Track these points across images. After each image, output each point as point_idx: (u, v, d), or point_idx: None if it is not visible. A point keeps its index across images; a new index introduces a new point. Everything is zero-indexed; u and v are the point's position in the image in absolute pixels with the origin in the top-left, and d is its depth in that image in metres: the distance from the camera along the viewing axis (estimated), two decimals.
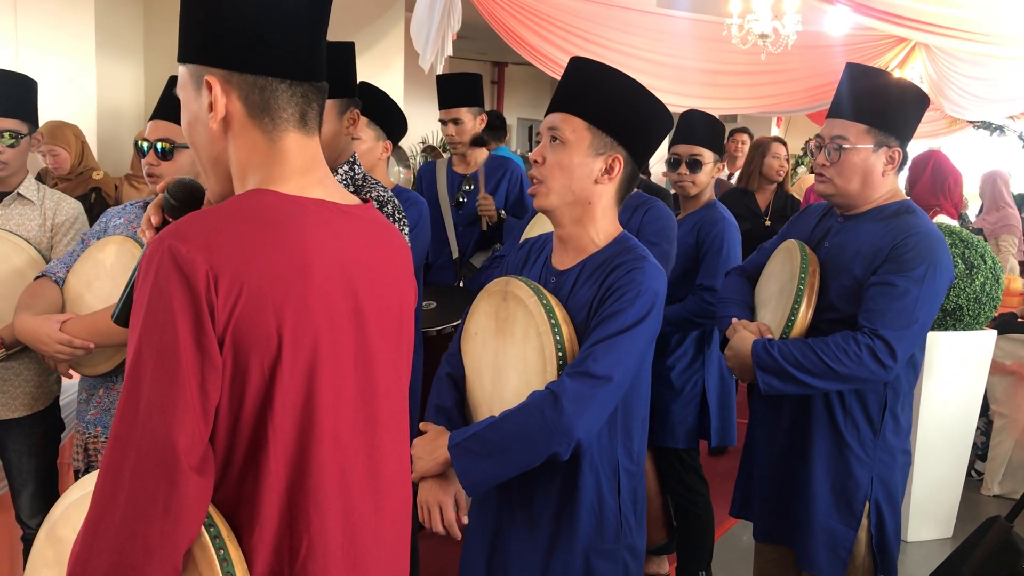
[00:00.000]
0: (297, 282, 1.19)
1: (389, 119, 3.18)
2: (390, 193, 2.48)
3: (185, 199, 1.41)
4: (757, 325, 2.46)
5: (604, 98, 1.93)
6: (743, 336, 2.42)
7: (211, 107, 1.26)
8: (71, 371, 2.51)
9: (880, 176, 2.37)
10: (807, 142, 5.22)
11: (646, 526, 2.07)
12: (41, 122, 4.86)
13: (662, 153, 3.87)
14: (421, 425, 2.04)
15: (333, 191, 1.33)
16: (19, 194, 2.90)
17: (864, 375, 2.24)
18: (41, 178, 4.89)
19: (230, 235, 1.16)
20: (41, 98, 4.97)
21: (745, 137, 6.85)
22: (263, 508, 1.19)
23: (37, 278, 2.54)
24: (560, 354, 1.85)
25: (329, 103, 2.36)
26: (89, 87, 5.38)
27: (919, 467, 4.06)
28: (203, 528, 1.14)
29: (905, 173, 4.87)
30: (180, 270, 1.11)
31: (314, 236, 1.23)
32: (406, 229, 2.47)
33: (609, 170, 1.94)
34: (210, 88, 1.26)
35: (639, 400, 2.01)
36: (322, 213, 1.26)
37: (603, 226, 1.98)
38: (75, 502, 1.34)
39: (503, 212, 4.00)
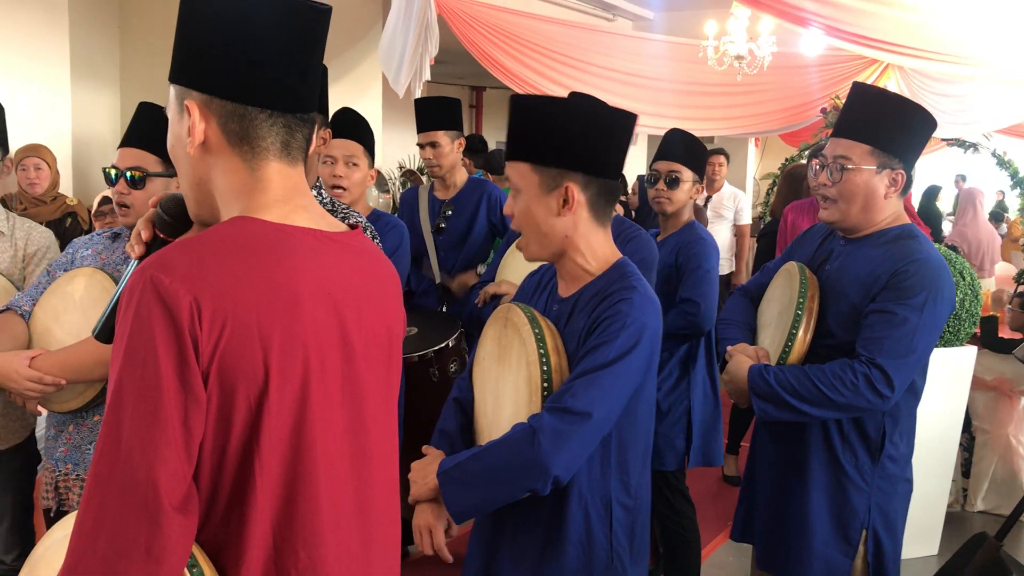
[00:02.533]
0: (284, 312, 1.16)
1: (374, 145, 3.19)
2: (364, 218, 2.45)
3: (178, 215, 1.37)
4: (755, 350, 2.43)
5: (537, 132, 1.88)
6: (740, 361, 2.40)
7: (190, 131, 1.24)
8: (40, 407, 2.42)
9: (882, 199, 2.32)
10: (809, 160, 5.23)
11: (647, 560, 2.03)
12: (14, 148, 4.86)
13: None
14: (423, 448, 2.03)
15: (318, 218, 1.30)
16: None
17: (861, 404, 2.20)
18: (6, 203, 4.84)
19: (215, 265, 1.13)
20: (16, 125, 4.95)
21: (722, 159, 6.86)
22: (249, 546, 1.16)
23: (1, 311, 2.44)
24: (545, 385, 1.82)
25: None
26: (64, 114, 5.34)
27: None
28: (186, 569, 1.11)
29: None
30: (163, 302, 1.08)
31: (302, 265, 1.20)
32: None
33: (566, 201, 1.88)
34: (190, 112, 1.24)
35: (636, 433, 1.94)
36: (309, 241, 1.24)
37: (592, 253, 1.94)
38: (57, 542, 1.30)
39: (479, 268, 3.96)
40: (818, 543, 2.36)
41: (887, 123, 2.30)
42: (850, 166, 2.31)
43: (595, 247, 1.95)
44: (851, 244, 2.40)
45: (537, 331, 1.86)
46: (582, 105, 1.90)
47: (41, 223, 4.71)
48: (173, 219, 1.38)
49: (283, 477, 1.18)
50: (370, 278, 1.33)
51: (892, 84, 7.35)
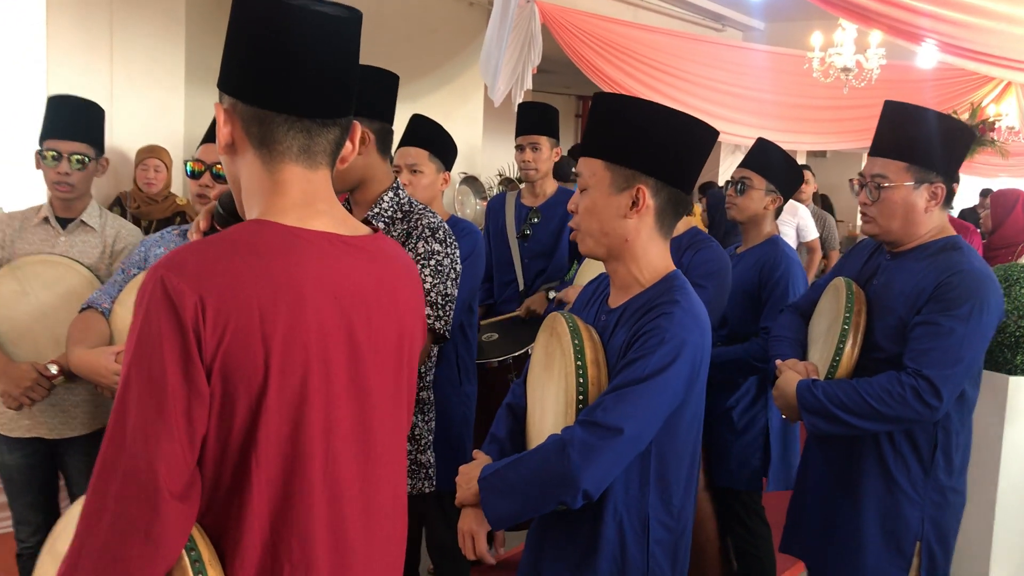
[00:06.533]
0: (287, 314, 1.19)
1: (447, 150, 3.21)
2: (440, 219, 2.46)
3: (232, 210, 1.44)
4: (804, 365, 2.46)
5: (616, 131, 1.85)
6: (788, 376, 2.43)
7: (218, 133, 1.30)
8: None
9: (923, 213, 2.35)
10: (850, 180, 5.07)
11: None
12: (134, 148, 5.11)
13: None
14: (474, 452, 2.05)
15: (339, 222, 1.33)
16: (82, 221, 2.92)
17: (909, 416, 2.22)
18: (122, 201, 5.07)
19: (222, 266, 1.17)
20: (133, 126, 5.20)
21: (807, 175, 6.49)
22: (245, 536, 1.19)
23: (83, 309, 2.53)
24: (580, 398, 1.79)
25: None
26: (177, 117, 5.58)
27: (1001, 518, 3.85)
28: (184, 552, 1.15)
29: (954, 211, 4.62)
30: (170, 300, 1.13)
31: (309, 267, 1.23)
32: (457, 253, 2.44)
33: (635, 203, 1.84)
34: (217, 116, 1.29)
35: (678, 451, 1.88)
36: (321, 244, 1.26)
37: (647, 263, 1.89)
38: (75, 518, 1.36)
39: (550, 293, 3.94)
40: (871, 557, 2.36)
41: (921, 138, 2.33)
42: (886, 184, 2.35)
43: (651, 257, 1.90)
44: (896, 259, 2.42)
45: (577, 342, 1.83)
46: (665, 111, 1.87)
47: (152, 221, 4.97)
48: (227, 213, 1.46)
49: (281, 472, 1.21)
50: (384, 282, 1.34)
51: (1013, 102, 7.00)
